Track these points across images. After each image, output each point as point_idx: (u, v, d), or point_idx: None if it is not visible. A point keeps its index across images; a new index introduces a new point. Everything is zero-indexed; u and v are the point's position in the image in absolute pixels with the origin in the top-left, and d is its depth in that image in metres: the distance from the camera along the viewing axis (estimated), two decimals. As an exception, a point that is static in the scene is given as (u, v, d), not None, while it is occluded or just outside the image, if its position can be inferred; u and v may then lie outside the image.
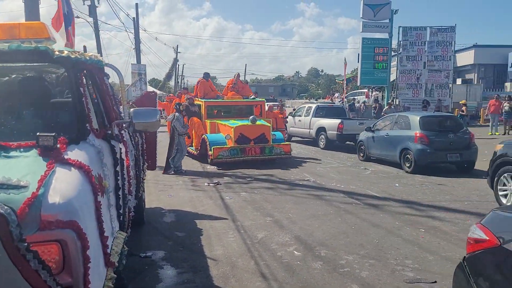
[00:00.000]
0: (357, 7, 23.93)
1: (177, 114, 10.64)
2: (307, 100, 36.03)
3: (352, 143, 15.24)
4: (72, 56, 2.91)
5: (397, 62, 24.45)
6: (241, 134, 11.40)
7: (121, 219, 3.14)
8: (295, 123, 17.83)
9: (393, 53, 25.98)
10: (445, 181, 9.45)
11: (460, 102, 21.11)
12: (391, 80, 25.13)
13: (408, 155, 10.61)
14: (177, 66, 57.88)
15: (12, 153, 2.34)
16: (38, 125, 2.90)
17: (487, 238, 2.68)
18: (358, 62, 25.13)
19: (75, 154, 2.43)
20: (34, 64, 3.13)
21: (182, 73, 66.33)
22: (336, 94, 40.55)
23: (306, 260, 4.78)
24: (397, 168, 10.97)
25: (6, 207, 1.70)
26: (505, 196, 6.85)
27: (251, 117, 11.82)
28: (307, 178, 9.81)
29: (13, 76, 3.23)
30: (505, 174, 6.83)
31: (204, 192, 8.38)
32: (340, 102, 29.36)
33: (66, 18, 7.27)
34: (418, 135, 10.40)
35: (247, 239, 5.50)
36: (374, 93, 31.02)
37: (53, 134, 2.34)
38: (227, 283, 4.21)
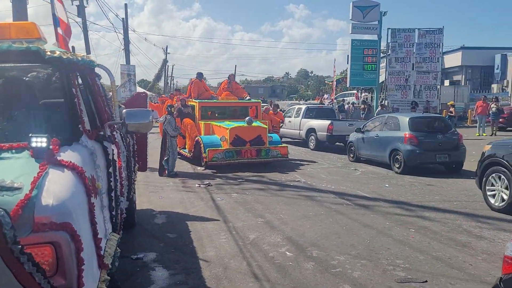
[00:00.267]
0: (346, 9, 24.26)
1: (168, 116, 10.48)
2: (297, 102, 36.12)
3: (341, 144, 15.35)
4: (64, 57, 2.88)
5: (386, 64, 24.66)
6: (236, 136, 11.06)
7: (113, 220, 3.12)
8: (285, 124, 17.89)
9: (382, 55, 26.20)
10: (434, 181, 9.55)
11: (448, 104, 21.35)
12: (380, 81, 25.34)
13: (397, 156, 10.70)
14: (167, 67, 57.72)
15: (4, 155, 2.32)
16: (30, 126, 2.87)
17: None
18: (347, 63, 25.28)
19: (68, 155, 2.41)
20: (25, 64, 3.10)
21: (172, 74, 66.17)
22: (326, 95, 40.71)
23: (298, 261, 4.79)
24: (386, 169, 11.06)
25: (-1, 209, 1.68)
26: (493, 196, 6.93)
27: (247, 118, 11.51)
28: (298, 179, 9.83)
29: (4, 76, 3.19)
30: (493, 175, 6.91)
31: (195, 193, 8.35)
32: (330, 103, 29.52)
33: (55, 19, 7.18)
34: (407, 136, 10.50)
35: (239, 240, 5.50)
36: (363, 94, 31.23)
37: (46, 135, 2.32)
38: (219, 285, 4.20)
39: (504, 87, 29.30)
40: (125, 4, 33.43)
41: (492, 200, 6.95)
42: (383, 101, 23.23)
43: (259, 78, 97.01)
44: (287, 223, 6.26)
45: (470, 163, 10.45)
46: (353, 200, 7.73)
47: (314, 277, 4.36)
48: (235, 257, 4.91)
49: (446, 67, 32.01)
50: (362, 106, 24.05)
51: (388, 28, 24.22)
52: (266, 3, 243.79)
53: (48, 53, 2.81)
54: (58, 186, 2.12)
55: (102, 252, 2.50)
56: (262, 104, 14.66)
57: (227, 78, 14.20)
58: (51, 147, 2.35)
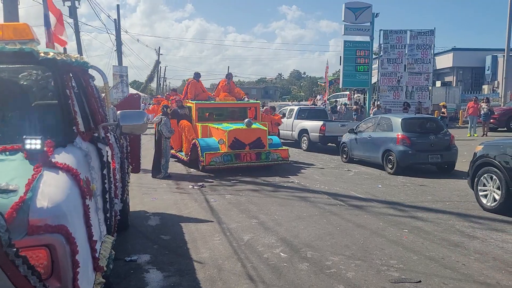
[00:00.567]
0: (339, 10, 24.38)
1: (164, 117, 10.35)
2: (287, 103, 36.20)
3: (334, 144, 15.48)
4: (58, 58, 2.87)
5: (378, 65, 24.81)
6: (235, 139, 10.62)
7: (108, 223, 3.11)
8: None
9: (374, 56, 26.34)
10: (427, 181, 9.61)
11: (440, 104, 21.52)
12: (373, 82, 25.47)
13: (390, 157, 10.76)
14: (159, 68, 57.57)
15: (-3, 157, 2.30)
16: (24, 128, 2.85)
17: None
18: (340, 64, 25.38)
19: (62, 157, 2.39)
20: (18, 66, 3.08)
21: (164, 75, 66.01)
22: (318, 97, 40.83)
23: (292, 262, 4.80)
24: (379, 170, 11.11)
25: (-6, 212, 1.67)
26: (485, 196, 6.99)
27: (246, 120, 11.07)
28: (291, 180, 9.85)
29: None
30: (485, 175, 6.97)
31: (188, 195, 8.33)
32: (323, 104, 29.62)
33: (46, 19, 7.14)
34: (400, 136, 10.56)
35: (233, 242, 5.49)
36: (356, 95, 31.38)
37: (40, 137, 2.30)
38: (214, 286, 4.20)
39: (494, 88, 29.56)
40: (117, 5, 33.35)
41: (484, 200, 7.01)
42: (379, 102, 23.35)
43: (252, 79, 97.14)
44: (281, 224, 6.27)
45: (462, 164, 10.55)
46: (346, 201, 7.76)
47: (309, 278, 4.36)
48: (230, 259, 4.90)
49: (437, 68, 32.25)
50: (355, 107, 24.21)
51: (380, 30, 24.39)
52: (259, 5, 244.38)
53: (42, 54, 2.79)
54: (52, 188, 2.11)
55: (97, 255, 2.49)
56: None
57: (224, 78, 13.68)
58: (45, 149, 2.33)
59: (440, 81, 31.38)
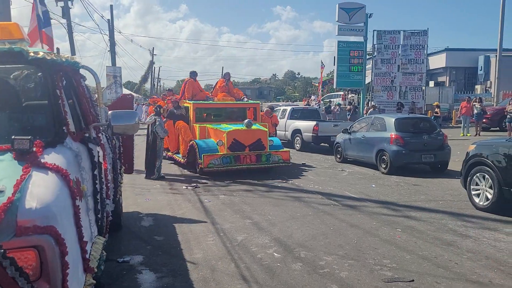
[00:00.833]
0: (333, 11, 24.49)
1: (157, 118, 10.24)
2: (280, 103, 36.27)
3: (326, 144, 15.57)
4: (48, 58, 2.84)
5: (372, 65, 24.88)
6: (234, 140, 10.19)
7: (99, 223, 3.08)
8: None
9: (368, 56, 26.42)
10: (420, 181, 9.65)
11: (433, 104, 21.63)
12: (366, 82, 25.55)
13: (384, 156, 10.79)
14: (153, 68, 57.42)
15: (-14, 157, 2.27)
16: (14, 128, 2.82)
17: None
18: (334, 65, 25.44)
19: (52, 157, 2.37)
20: (8, 65, 3.04)
21: (158, 75, 65.84)
22: (313, 97, 40.91)
23: (286, 262, 4.79)
24: (373, 169, 11.14)
25: (-19, 213, 1.65)
26: (478, 195, 7.02)
27: (246, 120, 10.65)
28: (285, 180, 9.84)
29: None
30: (478, 174, 7.01)
31: (182, 195, 8.31)
32: (317, 105, 29.69)
33: (39, 20, 7.09)
34: (393, 136, 10.59)
35: (227, 242, 5.48)
36: (350, 95, 31.46)
37: (29, 137, 2.28)
38: (207, 287, 4.18)
39: (487, 88, 29.76)
40: (111, 5, 33.18)
41: (476, 200, 7.04)
42: (374, 103, 23.43)
43: (246, 80, 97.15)
44: (275, 224, 6.26)
45: (455, 163, 10.60)
46: (340, 201, 7.76)
47: (302, 278, 4.36)
48: (223, 259, 4.89)
49: (431, 68, 32.42)
50: (349, 107, 24.29)
51: (373, 30, 24.47)
52: (253, 5, 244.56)
53: (32, 54, 2.77)
54: (41, 189, 2.09)
55: (87, 256, 2.46)
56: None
57: (222, 78, 13.29)
58: (34, 149, 2.31)
59: (433, 81, 31.56)
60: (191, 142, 10.68)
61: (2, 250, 1.67)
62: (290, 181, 9.67)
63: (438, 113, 20.92)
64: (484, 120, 19.59)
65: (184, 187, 9.11)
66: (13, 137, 2.27)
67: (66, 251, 2.04)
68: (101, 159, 3.42)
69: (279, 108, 19.42)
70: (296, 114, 17.42)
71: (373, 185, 9.26)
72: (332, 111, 25.59)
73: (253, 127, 10.60)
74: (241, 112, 12.32)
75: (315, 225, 6.21)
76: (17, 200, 1.95)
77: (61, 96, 2.83)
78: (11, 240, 1.88)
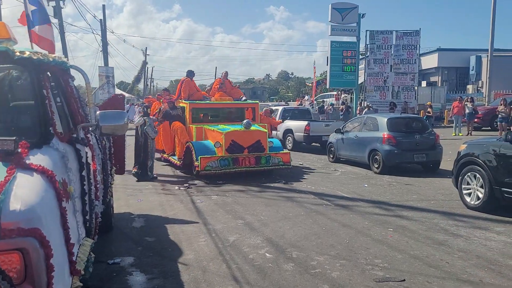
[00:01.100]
0: (326, 11, 24.42)
1: (147, 118, 10.15)
2: (269, 103, 36.33)
3: (318, 144, 15.65)
4: (34, 57, 2.80)
5: (365, 65, 24.97)
6: (233, 142, 9.79)
7: (87, 225, 3.05)
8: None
9: (361, 56, 26.49)
10: (412, 181, 9.68)
11: (426, 104, 21.75)
12: (359, 82, 25.62)
13: (376, 156, 10.82)
14: (146, 68, 57.20)
15: (-31, 159, 2.23)
16: (0, 129, 2.78)
17: None
18: (327, 65, 25.48)
19: (37, 158, 2.33)
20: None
21: (152, 76, 65.59)
22: (306, 97, 40.96)
23: (278, 262, 4.77)
24: (366, 169, 11.16)
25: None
26: (469, 194, 7.06)
27: (244, 121, 10.20)
28: (278, 180, 9.83)
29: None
30: (469, 174, 7.04)
31: (174, 196, 8.27)
32: (310, 105, 29.72)
33: (28, 19, 7.01)
34: (386, 136, 10.62)
35: (219, 243, 5.45)
36: (343, 95, 31.53)
37: (14, 138, 2.24)
38: (198, 288, 4.15)
39: (479, 88, 29.95)
40: (103, 5, 33.02)
41: (468, 199, 7.08)
42: (369, 103, 23.51)
43: (240, 80, 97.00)
44: (267, 225, 6.24)
45: (447, 163, 10.65)
46: (332, 201, 7.77)
47: (294, 278, 4.35)
48: (214, 260, 4.86)
49: (423, 68, 32.57)
50: (342, 107, 24.37)
51: (366, 30, 24.58)
52: (247, 5, 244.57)
53: (17, 53, 2.73)
54: (26, 191, 2.05)
55: (74, 258, 2.43)
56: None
57: (219, 78, 12.90)
58: (19, 150, 2.27)
59: (425, 81, 31.73)
60: (187, 144, 10.29)
61: (-15, 253, 1.63)
62: (283, 181, 9.65)
63: (430, 113, 21.04)
64: (475, 119, 19.73)
65: (176, 187, 9.07)
66: None
67: (51, 253, 2.00)
68: (89, 160, 3.38)
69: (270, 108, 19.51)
70: (287, 114, 17.52)
71: (366, 185, 9.28)
72: (325, 111, 25.65)
73: (252, 128, 10.21)
74: (239, 113, 11.94)
75: (307, 225, 6.20)
76: (1, 202, 1.91)
77: (48, 96, 2.79)
78: (-5, 243, 1.84)
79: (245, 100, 12.46)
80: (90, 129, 3.76)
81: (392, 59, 24.26)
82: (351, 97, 28.93)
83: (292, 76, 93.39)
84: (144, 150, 10.08)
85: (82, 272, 2.47)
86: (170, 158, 11.50)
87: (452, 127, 19.99)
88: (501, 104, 17.36)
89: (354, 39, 24.72)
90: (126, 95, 39.86)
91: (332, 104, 29.18)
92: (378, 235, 5.73)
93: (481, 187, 6.75)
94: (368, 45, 24.50)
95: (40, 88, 2.76)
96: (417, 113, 22.44)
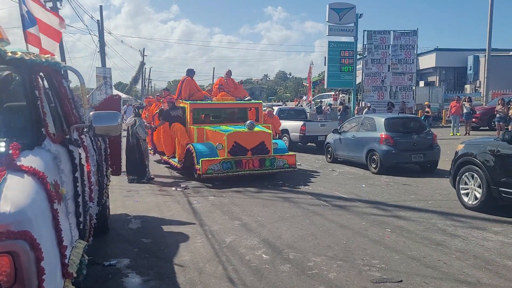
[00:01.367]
0: (324, 11, 24.30)
1: (137, 118, 10.03)
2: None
3: (313, 144, 15.70)
4: (26, 58, 2.77)
5: (362, 65, 24.96)
6: (236, 143, 9.40)
7: (81, 227, 3.02)
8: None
9: (358, 56, 26.49)
10: (410, 181, 9.67)
11: (424, 104, 21.76)
12: (357, 82, 25.62)
13: (374, 156, 10.80)
14: (144, 69, 57.16)
15: (-40, 161, 2.20)
16: None
17: None
18: (324, 65, 25.47)
19: (28, 160, 2.30)
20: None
21: (149, 76, 65.55)
22: (304, 97, 40.93)
23: (274, 263, 4.75)
24: (363, 169, 11.15)
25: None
26: (467, 194, 7.04)
27: (248, 122, 9.83)
28: (275, 180, 9.80)
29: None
30: (466, 173, 7.02)
31: (171, 197, 8.24)
32: (308, 105, 29.74)
33: (23, 19, 6.96)
34: (383, 136, 10.61)
35: (215, 244, 5.42)
36: (341, 95, 31.54)
37: (5, 139, 2.22)
38: (194, 290, 4.13)
39: (477, 88, 29.99)
40: (100, 6, 33.02)
41: (465, 199, 7.06)
42: (369, 103, 23.51)
43: (237, 80, 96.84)
44: (264, 225, 6.22)
45: (445, 163, 10.63)
46: (330, 201, 7.74)
47: (290, 279, 4.32)
48: (211, 261, 4.84)
49: (420, 68, 32.60)
50: (339, 107, 24.36)
51: (364, 30, 24.56)
52: (244, 6, 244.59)
53: (9, 54, 2.70)
54: (16, 193, 2.02)
55: (66, 261, 2.40)
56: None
57: (222, 77, 12.41)
58: (10, 151, 2.24)
59: (423, 81, 31.76)
60: (188, 146, 9.89)
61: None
62: (280, 182, 9.63)
63: (429, 112, 21.03)
64: (473, 119, 19.74)
65: (173, 188, 9.04)
66: None
67: (42, 256, 1.97)
68: (83, 161, 3.36)
69: (264, 108, 19.55)
70: (282, 114, 17.59)
71: (363, 185, 9.26)
72: (323, 111, 25.64)
73: (256, 129, 9.80)
74: (242, 113, 11.52)
75: (304, 226, 6.18)
76: (-10, 205, 1.88)
77: (40, 97, 2.76)
78: (-16, 246, 1.81)
79: (249, 100, 11.99)
80: (85, 130, 3.74)
81: (390, 59, 24.26)
82: (349, 97, 28.93)
83: (290, 77, 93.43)
84: (138, 151, 9.92)
85: (75, 275, 2.44)
86: (170, 160, 11.20)
87: (450, 127, 19.99)
88: (499, 104, 17.36)
89: (351, 39, 24.71)
90: (124, 96, 39.84)
91: (330, 104, 29.17)
92: (375, 235, 5.71)
93: (479, 187, 6.74)
94: (366, 45, 24.49)
95: (32, 89, 2.73)
96: (415, 113, 22.44)
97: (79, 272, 2.61)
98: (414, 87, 24.92)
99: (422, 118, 18.14)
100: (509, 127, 15.36)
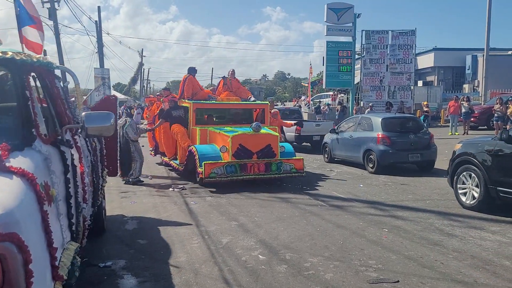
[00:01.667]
0: (322, 11, 24.29)
1: (128, 119, 9.88)
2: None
3: (309, 144, 15.70)
4: (17, 58, 2.74)
5: (361, 65, 24.95)
6: (240, 146, 8.95)
7: (73, 228, 2.99)
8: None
9: (357, 56, 26.48)
10: (407, 180, 9.65)
11: (423, 104, 21.76)
12: (356, 82, 25.61)
13: (371, 156, 10.79)
14: (143, 70, 57.14)
15: None
16: None
17: None
18: (323, 65, 25.46)
19: (18, 161, 2.27)
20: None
21: (148, 77, 65.55)
22: (303, 97, 40.95)
23: (271, 264, 4.72)
24: (361, 169, 11.13)
25: None
26: (464, 194, 7.02)
27: (254, 123, 9.32)
28: (272, 181, 9.75)
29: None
30: (464, 173, 7.00)
31: (168, 198, 8.20)
32: (306, 105, 29.74)
33: (18, 20, 6.92)
34: (380, 136, 10.60)
35: (212, 245, 5.40)
36: (339, 95, 31.54)
37: (-6, 140, 2.19)
38: (189, 291, 4.10)
39: (475, 87, 29.99)
40: (98, 7, 32.91)
41: (463, 198, 7.04)
42: (366, 102, 23.52)
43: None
44: (261, 226, 6.19)
45: (443, 162, 10.62)
46: (327, 201, 7.72)
47: (286, 280, 4.29)
48: (207, 262, 4.81)
49: (419, 68, 32.60)
50: (338, 107, 24.38)
51: (362, 30, 24.54)
52: (243, 6, 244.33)
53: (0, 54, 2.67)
54: (4, 194, 1.99)
55: (57, 263, 2.37)
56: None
57: (224, 77, 11.87)
58: (-1, 152, 2.21)
59: (421, 81, 31.73)
60: (190, 148, 9.43)
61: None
62: (278, 182, 9.60)
63: (428, 112, 21.02)
64: (472, 119, 19.72)
65: (170, 189, 9.01)
66: None
67: (30, 258, 1.94)
68: (76, 162, 3.32)
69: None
70: None
71: (361, 185, 9.24)
72: (321, 111, 25.64)
73: (262, 131, 9.29)
74: (247, 114, 11.05)
75: (301, 226, 6.15)
76: (-23, 207, 1.85)
77: (31, 97, 2.73)
78: (-30, 249, 1.78)
79: (254, 100, 11.49)
80: (79, 130, 3.70)
81: (388, 59, 24.25)
82: (347, 97, 28.92)
83: (289, 77, 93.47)
84: (126, 151, 9.52)
85: (65, 277, 2.40)
86: (171, 162, 10.80)
87: (448, 126, 19.98)
88: (497, 103, 17.36)
89: (350, 39, 24.69)
90: (122, 96, 39.78)
91: (328, 104, 29.18)
92: (372, 235, 5.69)
93: (477, 186, 6.72)
94: (364, 45, 24.48)
95: (23, 89, 2.69)
96: (413, 112, 22.44)
97: (71, 275, 2.58)
98: (412, 87, 24.91)
99: (422, 117, 18.16)
100: (507, 126, 15.35)
